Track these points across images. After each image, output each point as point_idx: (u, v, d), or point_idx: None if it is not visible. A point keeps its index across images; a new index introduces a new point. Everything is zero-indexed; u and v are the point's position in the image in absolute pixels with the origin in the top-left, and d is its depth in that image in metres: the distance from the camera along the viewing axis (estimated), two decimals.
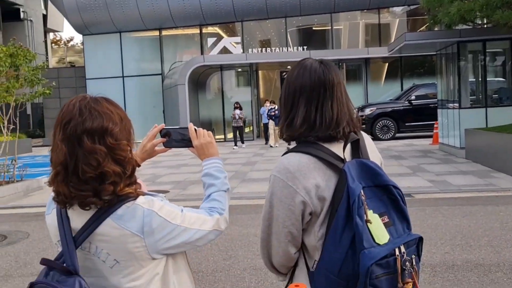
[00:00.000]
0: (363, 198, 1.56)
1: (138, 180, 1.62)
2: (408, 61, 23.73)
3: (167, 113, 24.83)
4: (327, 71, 1.72)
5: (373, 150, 1.82)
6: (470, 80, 14.00)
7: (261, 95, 25.74)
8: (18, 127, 11.52)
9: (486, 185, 9.27)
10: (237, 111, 19.71)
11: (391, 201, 1.65)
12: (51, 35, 42.29)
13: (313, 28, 26.52)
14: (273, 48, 24.54)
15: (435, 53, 15.81)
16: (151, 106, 25.76)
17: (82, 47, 30.10)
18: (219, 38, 25.18)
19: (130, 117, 1.64)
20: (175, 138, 1.87)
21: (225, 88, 24.81)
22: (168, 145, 1.88)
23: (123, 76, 26.45)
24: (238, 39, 25.06)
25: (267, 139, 20.21)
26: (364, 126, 18.28)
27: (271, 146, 18.88)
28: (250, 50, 24.03)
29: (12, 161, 11.14)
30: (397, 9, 25.77)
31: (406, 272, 1.56)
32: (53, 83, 12.38)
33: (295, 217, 1.65)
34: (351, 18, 26.07)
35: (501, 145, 10.55)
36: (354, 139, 1.71)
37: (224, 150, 18.17)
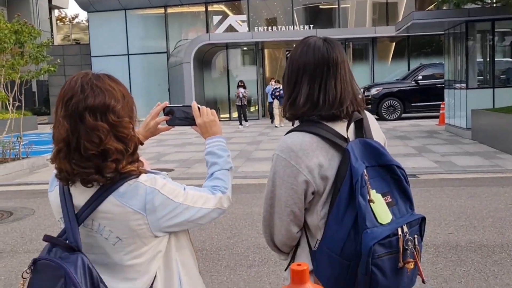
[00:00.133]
0: (366, 177, 1.55)
1: (141, 158, 1.62)
2: (415, 41, 23.48)
3: (172, 91, 24.76)
4: (331, 49, 1.69)
5: (377, 130, 1.80)
6: (478, 60, 13.87)
7: (267, 74, 25.57)
8: (23, 104, 11.53)
9: (491, 166, 9.23)
10: (241, 89, 19.61)
11: (394, 181, 1.64)
12: (56, 12, 42.07)
13: (320, 7, 26.22)
14: (279, 27, 24.34)
15: (443, 32, 15.62)
16: (156, 85, 25.70)
17: (87, 24, 29.95)
18: (225, 16, 24.97)
19: (135, 95, 1.63)
20: (178, 116, 1.86)
21: (231, 66, 24.65)
22: (171, 123, 1.87)
23: (128, 54, 26.36)
24: (244, 17, 24.85)
25: (272, 118, 20.16)
26: (370, 106, 18.18)
27: (276, 127, 18.85)
28: (256, 28, 23.85)
29: (17, 138, 11.19)
30: None
31: (408, 252, 1.56)
32: (58, 61, 12.35)
33: (298, 197, 1.65)
34: None
35: (508, 126, 10.48)
36: (358, 119, 1.69)
37: (229, 129, 18.13)
